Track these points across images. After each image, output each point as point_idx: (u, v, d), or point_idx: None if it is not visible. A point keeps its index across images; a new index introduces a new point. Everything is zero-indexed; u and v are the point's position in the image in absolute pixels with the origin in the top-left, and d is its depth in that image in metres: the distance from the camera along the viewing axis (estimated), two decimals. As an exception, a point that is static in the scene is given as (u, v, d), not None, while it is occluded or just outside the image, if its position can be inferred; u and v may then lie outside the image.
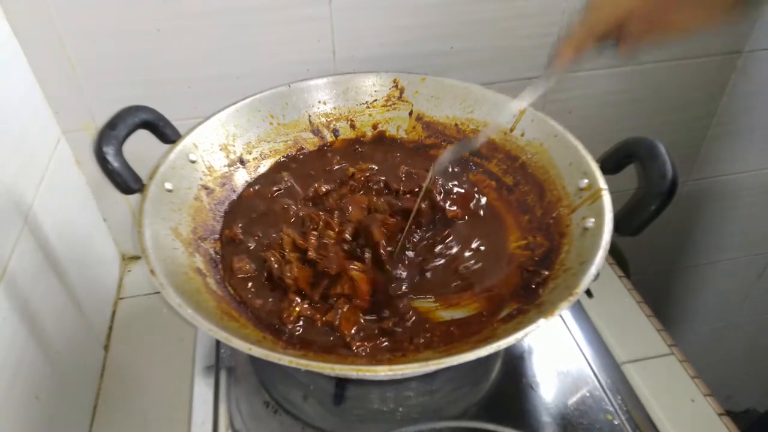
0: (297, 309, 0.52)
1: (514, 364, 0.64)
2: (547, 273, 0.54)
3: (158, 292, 0.78)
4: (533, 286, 0.53)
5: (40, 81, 0.66)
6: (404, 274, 0.57)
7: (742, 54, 0.87)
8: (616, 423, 0.58)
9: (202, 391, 0.62)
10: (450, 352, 0.42)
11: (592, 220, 0.53)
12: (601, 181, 0.55)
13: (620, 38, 0.47)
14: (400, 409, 0.59)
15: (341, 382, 0.59)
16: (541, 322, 0.44)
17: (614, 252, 0.50)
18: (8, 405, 0.50)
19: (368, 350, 0.50)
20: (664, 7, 0.44)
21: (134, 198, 0.75)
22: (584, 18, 0.48)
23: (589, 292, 0.46)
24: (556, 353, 0.66)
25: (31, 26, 0.63)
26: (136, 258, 0.85)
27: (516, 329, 0.44)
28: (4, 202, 0.55)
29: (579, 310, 0.71)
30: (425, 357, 0.44)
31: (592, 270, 0.47)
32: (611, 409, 0.60)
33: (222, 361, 0.65)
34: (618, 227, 0.51)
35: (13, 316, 0.53)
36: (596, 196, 0.54)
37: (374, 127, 0.73)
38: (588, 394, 0.61)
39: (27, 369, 0.54)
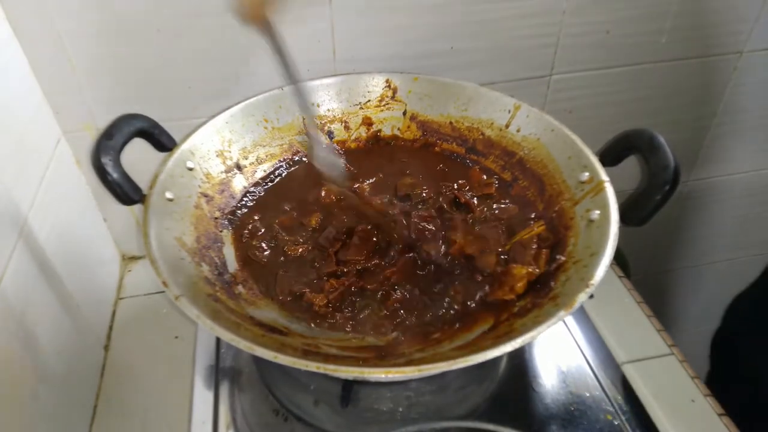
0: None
1: (515, 364, 0.64)
2: (563, 259, 0.54)
3: (158, 292, 0.79)
4: (544, 279, 0.54)
5: (40, 81, 0.66)
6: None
7: (742, 54, 0.87)
8: (616, 423, 0.58)
9: (202, 390, 0.62)
10: (473, 350, 0.42)
11: (597, 212, 0.54)
12: (603, 174, 0.56)
13: None
14: (401, 409, 0.59)
15: (348, 384, 0.59)
16: (562, 314, 0.44)
17: (614, 252, 0.51)
18: (8, 405, 0.50)
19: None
20: None
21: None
22: None
23: (589, 293, 0.47)
24: (556, 353, 0.66)
25: (31, 26, 0.63)
26: (137, 258, 0.85)
27: (535, 323, 0.44)
28: (4, 203, 0.55)
29: (579, 310, 0.71)
30: (447, 356, 0.44)
31: (605, 260, 0.48)
32: (611, 409, 0.60)
33: (222, 361, 0.65)
34: (623, 218, 0.51)
35: (13, 316, 0.53)
36: (599, 188, 0.55)
37: (368, 127, 0.73)
38: (588, 394, 0.61)
39: (27, 369, 0.54)
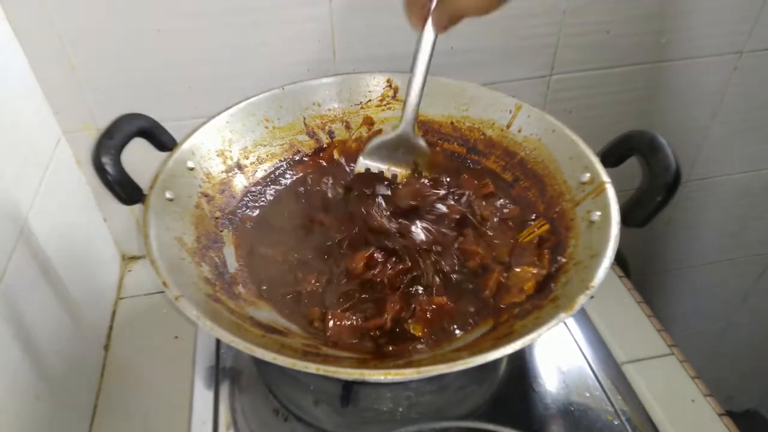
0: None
1: (515, 364, 0.64)
2: (563, 260, 0.54)
3: (158, 292, 0.79)
4: (545, 281, 0.53)
5: (40, 81, 0.66)
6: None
7: (742, 54, 0.87)
8: (616, 423, 0.58)
9: (203, 391, 0.62)
10: (473, 352, 0.42)
11: (598, 213, 0.53)
12: (604, 175, 0.55)
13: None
14: (401, 409, 0.59)
15: (348, 384, 0.59)
16: (563, 316, 0.44)
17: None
18: (8, 405, 0.50)
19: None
20: None
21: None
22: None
23: (589, 293, 0.47)
24: (556, 353, 0.66)
25: (31, 26, 0.63)
26: (137, 258, 0.85)
27: (535, 325, 0.44)
28: (4, 203, 0.55)
29: (579, 311, 0.71)
30: (447, 357, 0.44)
31: (606, 262, 0.48)
32: (611, 409, 0.60)
33: (223, 362, 0.65)
34: (625, 219, 0.51)
35: (14, 316, 0.53)
36: (600, 189, 0.55)
37: (369, 127, 0.73)
38: (588, 394, 0.61)
39: (27, 369, 0.54)
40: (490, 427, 0.56)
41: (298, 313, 0.55)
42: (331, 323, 0.52)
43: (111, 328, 0.75)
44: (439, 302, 0.53)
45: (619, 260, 0.86)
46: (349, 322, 0.52)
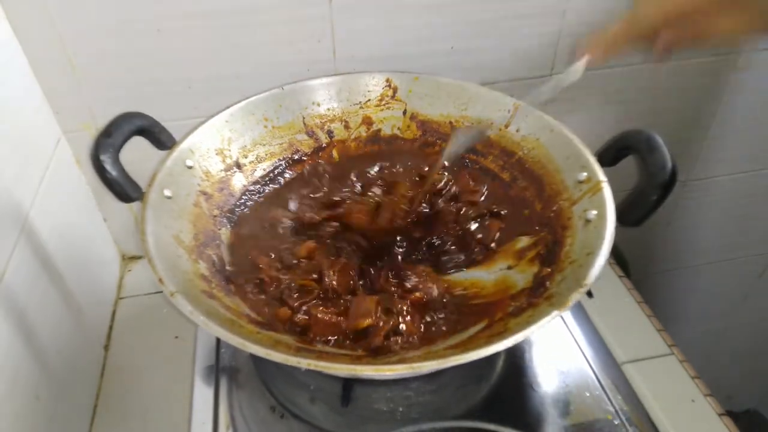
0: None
1: (515, 363, 0.64)
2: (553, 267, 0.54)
3: (158, 292, 0.79)
4: (540, 279, 0.54)
5: (40, 81, 0.66)
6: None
7: (742, 54, 0.87)
8: (616, 423, 0.58)
9: (203, 391, 0.62)
10: (466, 348, 0.42)
11: (594, 212, 0.54)
12: (600, 174, 0.56)
13: (655, 40, 0.46)
14: (400, 409, 0.59)
15: (348, 383, 0.59)
16: (555, 313, 0.44)
17: (614, 252, 0.51)
18: (8, 405, 0.50)
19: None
20: (708, 11, 0.43)
21: (134, 198, 0.75)
22: (627, 16, 0.47)
23: (589, 292, 0.47)
24: (556, 353, 0.66)
25: (31, 26, 0.63)
26: (137, 258, 0.85)
27: (529, 322, 0.44)
28: (4, 203, 0.55)
29: (579, 310, 0.71)
30: (440, 354, 0.44)
31: (600, 261, 0.48)
32: (611, 409, 0.60)
33: (222, 361, 0.65)
34: (620, 218, 0.51)
35: (14, 316, 0.53)
36: (596, 188, 0.55)
37: (368, 127, 0.73)
38: (588, 394, 0.61)
39: (27, 369, 0.54)
40: (490, 426, 0.56)
41: (268, 312, 0.55)
42: (311, 318, 0.52)
43: (111, 328, 0.75)
44: (416, 299, 0.54)
45: (619, 260, 0.86)
46: (327, 317, 0.52)
